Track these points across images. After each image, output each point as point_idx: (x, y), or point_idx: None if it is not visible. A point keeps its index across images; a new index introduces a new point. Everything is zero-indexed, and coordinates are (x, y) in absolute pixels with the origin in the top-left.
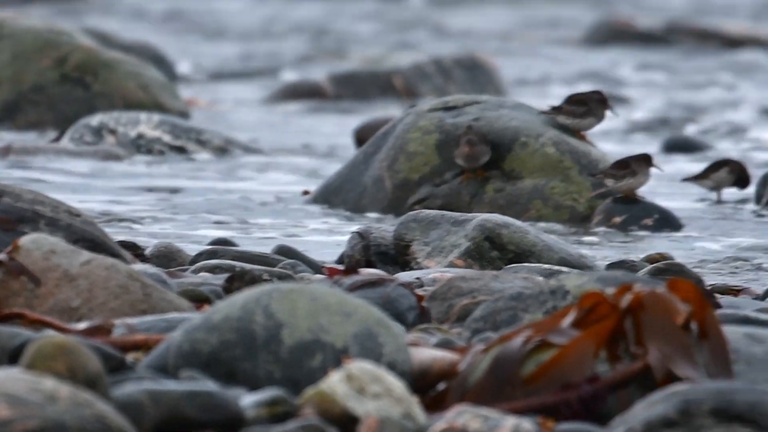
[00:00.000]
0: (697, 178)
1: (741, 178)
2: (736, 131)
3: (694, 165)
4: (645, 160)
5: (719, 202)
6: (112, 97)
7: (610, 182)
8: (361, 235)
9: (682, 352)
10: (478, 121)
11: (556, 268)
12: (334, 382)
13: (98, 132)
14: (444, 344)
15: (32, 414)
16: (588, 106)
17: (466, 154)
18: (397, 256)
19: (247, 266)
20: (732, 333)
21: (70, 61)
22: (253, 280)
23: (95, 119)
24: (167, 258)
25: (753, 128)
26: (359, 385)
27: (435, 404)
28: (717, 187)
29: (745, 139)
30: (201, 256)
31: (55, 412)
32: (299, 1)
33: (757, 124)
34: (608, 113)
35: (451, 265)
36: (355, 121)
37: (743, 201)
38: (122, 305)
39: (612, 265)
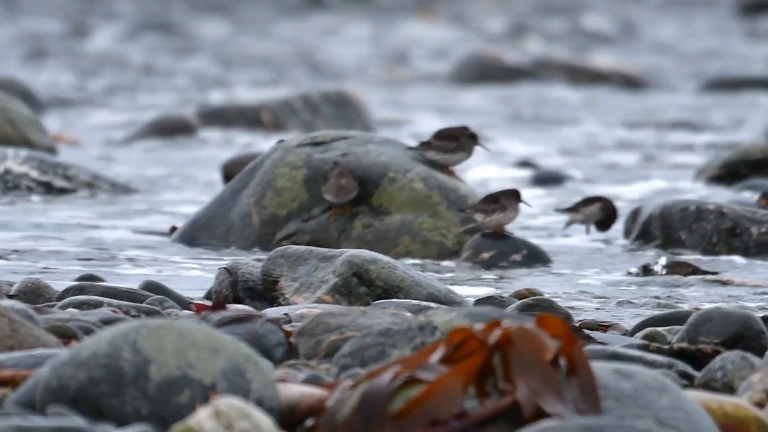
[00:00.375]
0: (568, 211)
1: (610, 216)
2: (603, 167)
3: (562, 199)
4: (514, 196)
5: (588, 233)
6: None
7: (479, 217)
8: (228, 270)
9: (551, 388)
10: (346, 157)
11: (425, 303)
12: (202, 418)
13: None
14: (312, 380)
15: None
16: (458, 141)
17: (334, 189)
18: (265, 292)
19: (115, 302)
20: (601, 369)
21: None
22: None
23: None
24: (34, 294)
25: (616, 162)
26: (227, 421)
27: None
28: (587, 222)
29: (608, 175)
30: (68, 291)
31: None
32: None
33: (619, 158)
34: (478, 148)
35: (319, 300)
36: (222, 156)
37: (612, 236)
38: None
39: (480, 301)
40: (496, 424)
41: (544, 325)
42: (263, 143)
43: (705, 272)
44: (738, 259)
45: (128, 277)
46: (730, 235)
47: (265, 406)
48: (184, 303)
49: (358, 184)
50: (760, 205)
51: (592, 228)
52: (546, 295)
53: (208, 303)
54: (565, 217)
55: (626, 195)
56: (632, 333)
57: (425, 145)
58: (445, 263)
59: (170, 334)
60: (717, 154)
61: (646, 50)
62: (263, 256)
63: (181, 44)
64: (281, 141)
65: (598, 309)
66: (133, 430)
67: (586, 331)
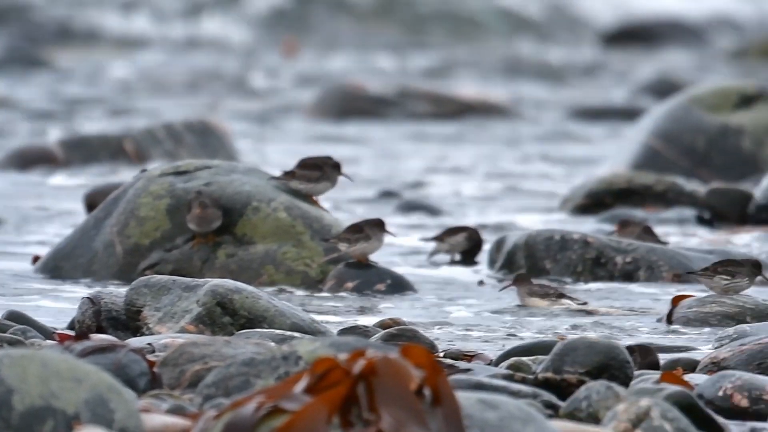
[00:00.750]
0: (434, 240)
1: (476, 245)
2: (469, 197)
3: (427, 229)
4: (378, 225)
5: (452, 263)
6: None
7: (343, 247)
8: (91, 300)
9: (415, 418)
10: (209, 186)
11: (289, 333)
12: None
13: None
14: (176, 410)
15: None
16: (322, 170)
17: (197, 218)
18: (129, 322)
19: None
20: (465, 399)
21: None
22: None
23: None
24: None
25: (482, 191)
26: None
27: None
28: (452, 251)
29: (473, 204)
30: None
31: None
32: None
33: (484, 188)
34: (342, 178)
35: (183, 330)
36: (85, 186)
37: (476, 266)
38: None
39: (344, 331)
40: None
41: (408, 355)
42: (126, 173)
43: (570, 298)
44: (602, 288)
45: None
46: (595, 265)
47: None
48: (47, 333)
49: (222, 214)
50: (616, 233)
51: (457, 257)
52: (410, 325)
53: (72, 333)
54: (430, 246)
55: (491, 224)
56: (497, 363)
57: (289, 175)
58: (309, 293)
59: (33, 363)
60: (581, 183)
61: (513, 78)
62: (126, 285)
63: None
64: (144, 170)
65: (462, 339)
66: None
67: (451, 361)
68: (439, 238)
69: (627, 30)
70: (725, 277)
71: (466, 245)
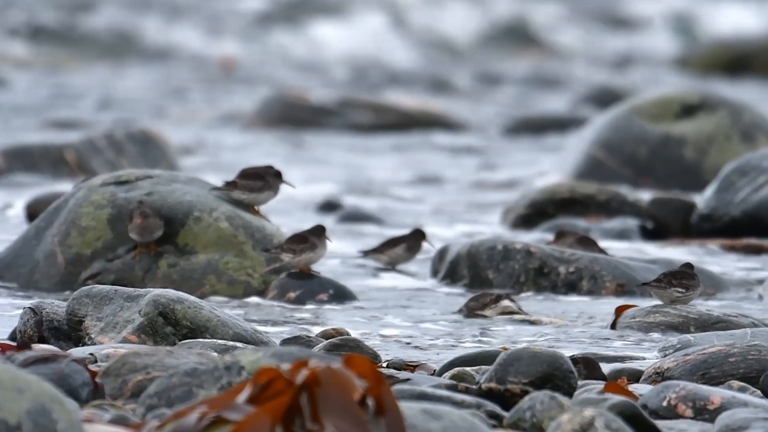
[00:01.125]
0: (373, 252)
1: (415, 252)
2: (408, 208)
3: (368, 240)
4: (320, 232)
5: (395, 272)
6: None
7: (286, 257)
8: (33, 310)
9: (358, 427)
10: (150, 196)
11: (231, 343)
12: None
13: None
14: (118, 420)
15: None
16: (264, 180)
17: (139, 228)
18: (71, 332)
19: None
20: (409, 409)
21: None
22: None
23: None
24: None
25: (421, 201)
26: None
27: None
28: (392, 263)
29: (412, 215)
30: None
31: None
32: None
33: (423, 198)
34: (284, 186)
35: (125, 340)
36: (26, 195)
37: (419, 275)
38: None
39: (287, 341)
40: None
41: (351, 365)
42: (67, 183)
43: (513, 311)
44: (544, 298)
45: None
46: (538, 275)
47: None
48: None
49: (164, 224)
50: (553, 243)
51: (401, 268)
52: (353, 335)
53: (13, 343)
54: (370, 258)
55: (435, 235)
56: (440, 373)
57: (231, 185)
58: (251, 302)
59: None
60: (523, 193)
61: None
62: (68, 295)
63: None
64: (84, 180)
65: (405, 348)
66: None
67: (394, 371)
68: (378, 251)
69: None
70: (679, 289)
71: (406, 256)
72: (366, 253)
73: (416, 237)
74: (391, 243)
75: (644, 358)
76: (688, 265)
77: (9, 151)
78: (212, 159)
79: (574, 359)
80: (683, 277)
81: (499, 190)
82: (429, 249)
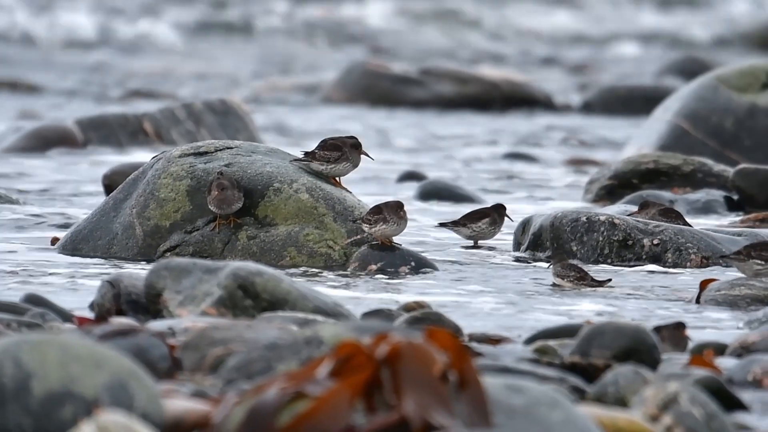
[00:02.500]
0: (454, 224)
1: (497, 226)
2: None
3: (449, 212)
4: (397, 207)
5: (476, 247)
6: None
7: (366, 227)
8: (111, 283)
9: (439, 402)
10: (230, 167)
11: (312, 317)
12: None
13: None
14: (197, 395)
15: None
16: (342, 151)
17: (218, 200)
18: (149, 305)
19: None
20: (491, 384)
21: None
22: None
23: None
24: None
25: (510, 175)
26: None
27: None
28: (474, 237)
29: (501, 189)
30: None
31: None
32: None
33: (512, 172)
34: (364, 158)
35: (204, 314)
36: (104, 166)
37: (502, 247)
38: None
39: (368, 314)
40: None
41: (433, 338)
42: (146, 153)
43: (598, 282)
44: (629, 270)
45: (9, 289)
46: (622, 247)
47: (149, 421)
48: (66, 316)
49: (243, 195)
50: (636, 214)
51: (482, 241)
52: (434, 308)
53: (91, 316)
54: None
55: (519, 210)
56: (523, 346)
57: (310, 155)
58: (332, 275)
59: (52, 348)
60: (607, 164)
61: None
62: (147, 268)
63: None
64: (164, 151)
65: (488, 322)
66: None
67: (476, 345)
68: (460, 223)
69: None
70: (759, 261)
71: (489, 230)
72: (446, 225)
73: (498, 211)
74: (473, 216)
75: (730, 332)
76: None
77: (86, 122)
78: (294, 127)
79: (658, 329)
80: (763, 248)
81: (583, 165)
82: (510, 223)
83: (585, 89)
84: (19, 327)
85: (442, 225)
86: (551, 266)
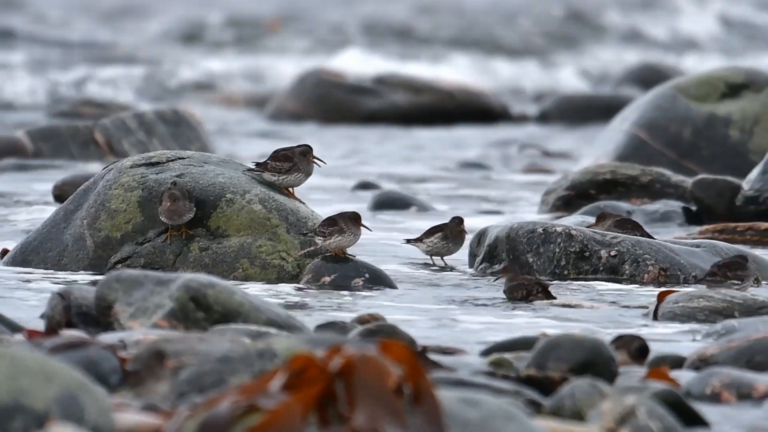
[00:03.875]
0: (415, 240)
1: (456, 241)
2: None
3: (403, 223)
4: (353, 219)
5: (432, 264)
6: None
7: (318, 240)
8: (61, 295)
9: (393, 415)
10: (182, 177)
11: (264, 329)
12: None
13: None
14: (149, 408)
15: None
16: (293, 161)
17: (169, 211)
18: (100, 318)
19: None
20: (446, 397)
21: None
22: None
23: None
24: None
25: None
26: None
27: None
28: (431, 251)
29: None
30: None
31: None
32: None
33: (465, 181)
34: (315, 166)
35: (155, 326)
36: (54, 177)
37: (457, 259)
38: None
39: (321, 327)
40: None
41: (387, 351)
42: (96, 164)
43: (551, 296)
44: (587, 283)
45: None
46: (579, 258)
47: None
48: (15, 328)
49: (195, 206)
50: (594, 226)
51: (437, 254)
52: (389, 320)
53: (41, 329)
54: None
55: (473, 223)
56: (478, 359)
57: (261, 166)
58: (285, 287)
59: (2, 361)
60: (564, 175)
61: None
62: (97, 280)
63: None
64: (115, 161)
65: (442, 334)
66: None
67: (431, 357)
68: (418, 239)
69: None
70: (736, 282)
71: (445, 246)
72: (408, 241)
73: (455, 225)
74: (429, 231)
75: (688, 344)
76: (742, 257)
77: (37, 132)
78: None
79: (615, 341)
80: (738, 268)
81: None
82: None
83: (542, 99)
84: None
85: (408, 242)
86: (501, 281)
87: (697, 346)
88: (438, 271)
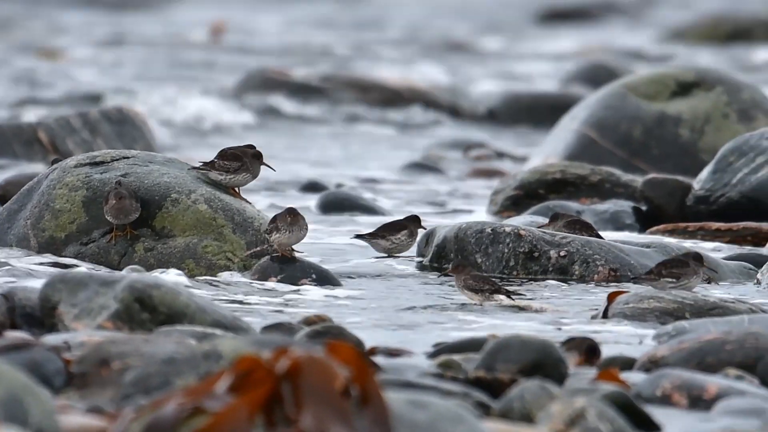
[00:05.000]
0: (370, 236)
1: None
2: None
3: (350, 224)
4: (285, 214)
5: (380, 259)
6: None
7: (268, 238)
8: (5, 296)
9: (340, 417)
10: (126, 177)
11: (210, 330)
12: None
13: None
14: (93, 410)
15: None
16: (242, 161)
17: (115, 210)
18: (44, 319)
19: None
20: (394, 399)
21: None
22: None
23: None
24: None
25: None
26: None
27: None
28: (394, 249)
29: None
30: None
31: None
32: None
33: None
34: (263, 168)
35: (100, 327)
36: None
37: (405, 258)
38: None
39: (268, 328)
40: None
41: (334, 353)
42: (40, 164)
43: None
44: (535, 283)
45: None
46: (528, 259)
47: None
48: None
49: (140, 206)
50: (547, 227)
51: (389, 253)
52: (336, 321)
53: None
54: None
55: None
56: (426, 361)
57: (209, 165)
58: (231, 286)
59: None
60: (513, 174)
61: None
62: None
63: None
64: (57, 160)
65: (391, 335)
66: None
67: (378, 359)
68: (373, 235)
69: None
70: (671, 280)
71: (406, 243)
72: (363, 237)
73: (414, 223)
74: (391, 228)
75: (638, 346)
76: (693, 255)
77: None
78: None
79: (565, 342)
80: (674, 266)
81: (488, 175)
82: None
83: (489, 96)
84: None
85: (359, 237)
86: (449, 279)
87: (648, 347)
88: (387, 269)
